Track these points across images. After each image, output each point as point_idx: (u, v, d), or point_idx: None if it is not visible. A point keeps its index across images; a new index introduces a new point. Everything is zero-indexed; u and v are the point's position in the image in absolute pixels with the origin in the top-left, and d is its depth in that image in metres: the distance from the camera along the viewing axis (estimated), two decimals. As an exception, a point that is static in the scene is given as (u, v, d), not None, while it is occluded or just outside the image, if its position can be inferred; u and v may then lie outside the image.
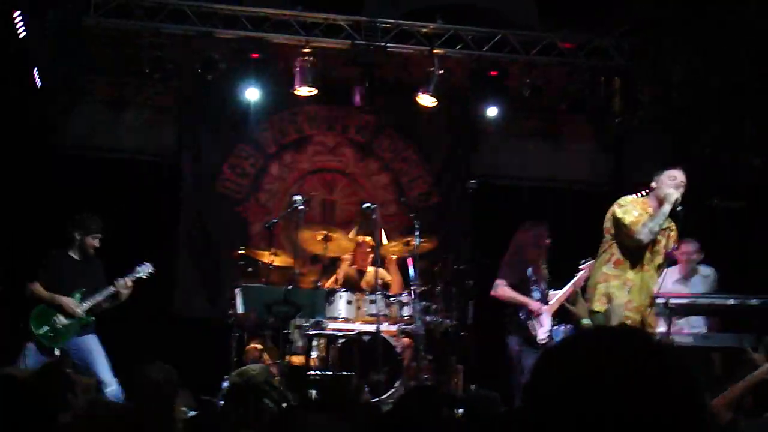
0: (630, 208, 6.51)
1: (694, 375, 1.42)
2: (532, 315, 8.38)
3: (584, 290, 7.26)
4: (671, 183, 6.43)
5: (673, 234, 6.66)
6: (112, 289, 7.87)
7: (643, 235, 6.40)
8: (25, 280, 7.82)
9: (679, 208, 6.36)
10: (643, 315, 6.54)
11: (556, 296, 8.54)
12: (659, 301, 7.22)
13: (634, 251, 6.52)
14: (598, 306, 6.55)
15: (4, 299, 8.21)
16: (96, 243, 8.00)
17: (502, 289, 8.47)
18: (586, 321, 5.89)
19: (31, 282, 7.79)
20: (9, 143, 9.10)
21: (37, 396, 2.74)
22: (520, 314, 8.40)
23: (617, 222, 6.53)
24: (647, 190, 6.71)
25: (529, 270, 8.47)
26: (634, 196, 6.77)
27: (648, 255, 6.52)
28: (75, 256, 8.00)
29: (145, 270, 8.18)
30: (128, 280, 7.93)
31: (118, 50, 10.42)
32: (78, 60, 10.05)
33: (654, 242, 6.50)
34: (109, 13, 9.84)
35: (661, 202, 6.46)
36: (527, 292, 8.43)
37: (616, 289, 6.51)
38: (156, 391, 4.36)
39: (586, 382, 1.38)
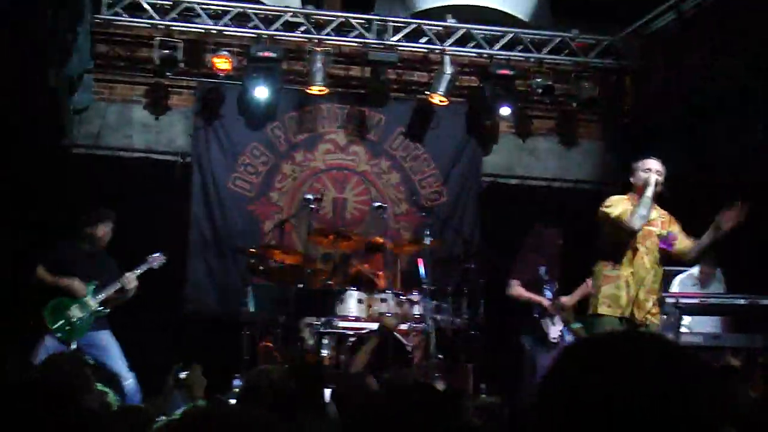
0: (615, 203, 6.49)
1: (714, 381, 1.45)
2: (546, 314, 8.41)
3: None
4: (644, 170, 6.41)
5: (666, 221, 6.56)
6: (117, 284, 7.90)
7: (635, 222, 6.31)
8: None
9: (656, 188, 6.31)
10: (642, 308, 6.36)
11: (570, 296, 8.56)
12: (669, 300, 7.23)
13: (625, 246, 6.42)
14: (603, 309, 6.44)
15: (19, 300, 8.21)
16: (106, 230, 8.00)
17: (516, 289, 8.51)
18: (576, 325, 5.86)
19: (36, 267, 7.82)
20: (23, 142, 9.10)
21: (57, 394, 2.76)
22: (534, 313, 8.44)
23: (605, 219, 6.48)
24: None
25: (542, 269, 8.49)
26: (620, 195, 6.70)
27: (641, 248, 6.42)
28: (84, 248, 8.02)
29: (156, 261, 8.19)
30: (132, 276, 7.94)
31: (130, 48, 10.48)
32: (90, 59, 10.09)
33: (646, 234, 6.42)
34: (120, 11, 9.92)
35: (642, 193, 6.43)
36: (539, 292, 8.46)
37: (616, 289, 6.44)
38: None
39: (605, 384, 1.40)
